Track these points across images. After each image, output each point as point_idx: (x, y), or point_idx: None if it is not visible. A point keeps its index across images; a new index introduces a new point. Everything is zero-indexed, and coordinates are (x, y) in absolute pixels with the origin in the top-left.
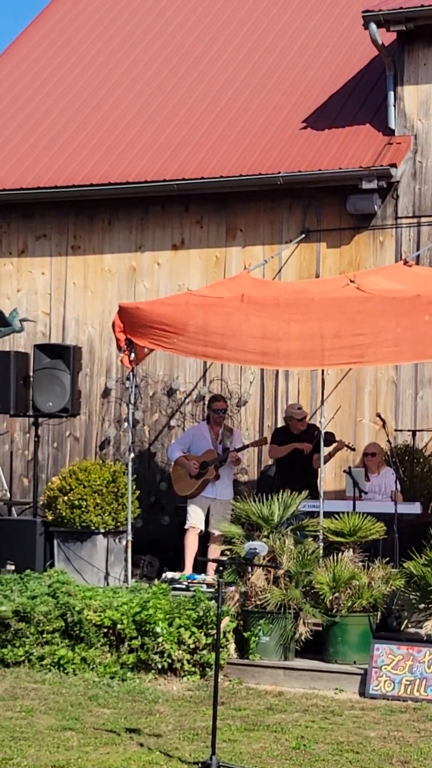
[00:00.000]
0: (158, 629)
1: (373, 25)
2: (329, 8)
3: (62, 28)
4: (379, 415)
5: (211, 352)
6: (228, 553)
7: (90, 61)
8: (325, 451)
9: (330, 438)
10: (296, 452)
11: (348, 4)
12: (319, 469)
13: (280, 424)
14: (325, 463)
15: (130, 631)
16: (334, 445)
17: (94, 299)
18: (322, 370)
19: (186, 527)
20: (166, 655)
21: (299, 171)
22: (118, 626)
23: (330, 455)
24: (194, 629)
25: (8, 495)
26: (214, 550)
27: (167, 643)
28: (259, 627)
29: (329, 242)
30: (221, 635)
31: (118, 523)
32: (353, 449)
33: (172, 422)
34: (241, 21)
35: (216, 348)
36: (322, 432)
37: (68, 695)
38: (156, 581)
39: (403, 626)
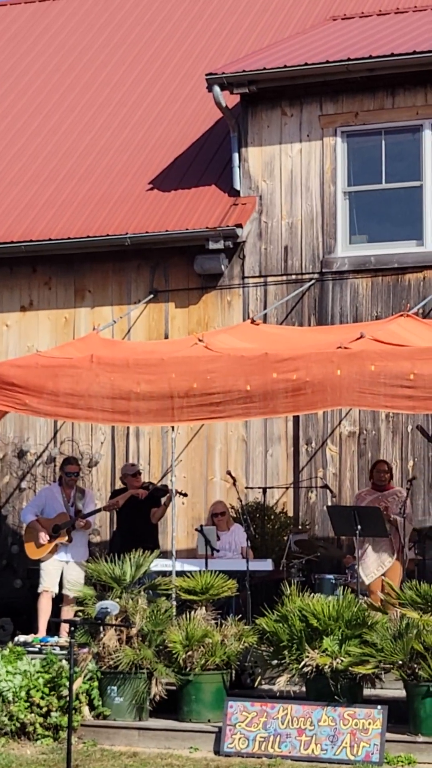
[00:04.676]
0: (9, 693)
1: (216, 88)
2: (175, 69)
3: None
4: (229, 473)
5: (63, 412)
6: (81, 614)
7: None
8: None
9: (165, 489)
10: (135, 511)
11: (193, 65)
12: (158, 524)
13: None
14: (161, 516)
15: None
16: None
17: None
18: (173, 427)
19: (39, 590)
20: (16, 718)
21: (146, 232)
22: None
23: (165, 506)
24: (46, 691)
25: None
26: (68, 612)
27: (18, 706)
28: (112, 688)
29: (177, 302)
30: (74, 697)
31: None
32: (185, 495)
33: (23, 484)
34: (87, 82)
35: (68, 407)
36: (165, 484)
37: None
38: (9, 644)
39: (256, 683)
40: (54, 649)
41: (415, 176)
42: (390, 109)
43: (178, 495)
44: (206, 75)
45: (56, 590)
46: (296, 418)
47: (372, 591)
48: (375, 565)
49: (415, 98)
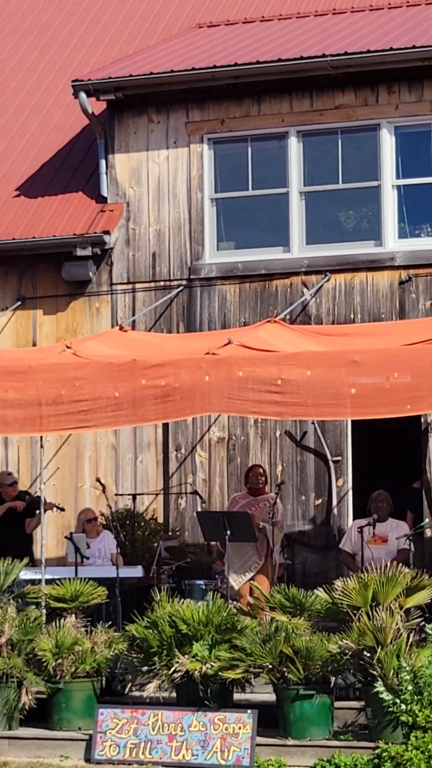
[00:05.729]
0: None
1: (83, 94)
2: (40, 78)
3: None
4: (99, 480)
5: None
6: None
7: None
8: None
9: (39, 500)
10: (10, 521)
11: (59, 74)
12: (33, 534)
13: None
14: (36, 526)
15: None
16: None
17: None
18: (41, 437)
19: None
20: None
21: (13, 238)
22: None
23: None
24: None
25: None
26: None
27: None
28: None
29: (45, 309)
30: None
31: None
32: (62, 509)
33: None
34: None
35: None
36: (40, 495)
37: None
38: None
39: (127, 689)
40: None
41: (282, 183)
42: (256, 116)
43: (55, 509)
44: (72, 81)
45: None
46: (165, 424)
47: (241, 595)
48: (241, 570)
49: (281, 105)
